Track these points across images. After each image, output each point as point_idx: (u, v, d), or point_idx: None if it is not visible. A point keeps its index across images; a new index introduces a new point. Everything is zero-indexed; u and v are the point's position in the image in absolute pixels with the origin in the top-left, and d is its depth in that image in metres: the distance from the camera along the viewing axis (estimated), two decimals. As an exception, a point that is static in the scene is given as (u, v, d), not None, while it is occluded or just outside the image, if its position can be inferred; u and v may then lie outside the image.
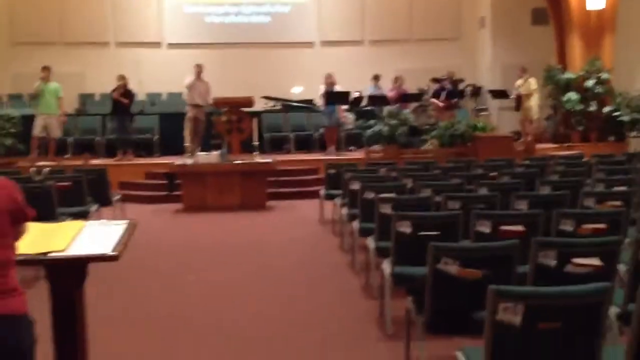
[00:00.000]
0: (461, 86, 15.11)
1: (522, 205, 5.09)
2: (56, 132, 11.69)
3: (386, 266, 4.40)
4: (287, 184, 10.91)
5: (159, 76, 16.17)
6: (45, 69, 11.63)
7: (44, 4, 16.59)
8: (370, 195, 5.78)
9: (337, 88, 12.36)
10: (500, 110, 15.02)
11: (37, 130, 11.49)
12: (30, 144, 11.55)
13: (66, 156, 12.20)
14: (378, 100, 13.62)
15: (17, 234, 2.29)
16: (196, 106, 12.06)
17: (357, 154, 12.21)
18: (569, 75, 13.77)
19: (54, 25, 16.72)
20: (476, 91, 15.32)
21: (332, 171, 8.36)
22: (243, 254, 7.01)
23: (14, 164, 10.65)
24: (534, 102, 13.15)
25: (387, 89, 14.04)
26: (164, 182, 10.70)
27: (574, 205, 5.30)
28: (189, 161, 10.19)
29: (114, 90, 12.04)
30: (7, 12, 16.67)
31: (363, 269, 5.75)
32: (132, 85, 12.54)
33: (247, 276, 6.09)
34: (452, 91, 13.74)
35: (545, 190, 5.97)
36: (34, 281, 4.78)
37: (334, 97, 12.21)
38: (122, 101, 11.95)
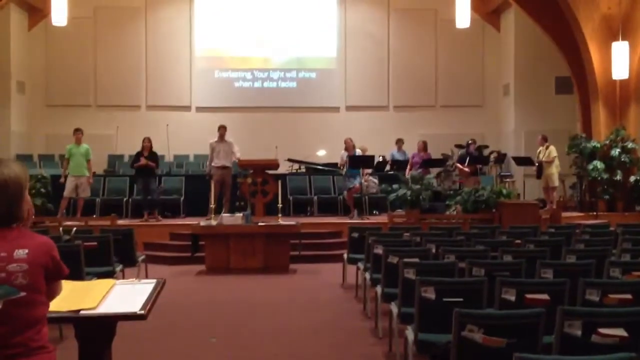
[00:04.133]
0: (485, 152, 15.18)
1: (548, 274, 5.04)
2: (86, 193, 11.94)
3: (410, 333, 4.36)
4: (311, 247, 10.92)
5: (186, 138, 16.54)
6: (78, 131, 11.97)
7: (78, 68, 17.22)
8: (394, 259, 5.77)
9: (358, 152, 12.49)
10: (525, 177, 15.03)
11: (67, 191, 11.74)
12: (60, 204, 11.78)
13: (94, 216, 12.39)
14: (402, 164, 13.73)
15: (51, 291, 2.35)
16: (222, 168, 12.16)
17: (380, 218, 12.23)
18: (594, 143, 13.80)
19: (88, 88, 17.32)
20: (501, 158, 15.38)
21: (356, 235, 8.36)
22: (265, 317, 6.98)
23: (42, 224, 10.82)
24: (555, 170, 13.22)
25: (410, 153, 14.11)
26: (188, 243, 10.77)
27: (600, 275, 5.24)
28: (213, 223, 10.26)
29: (140, 155, 12.17)
30: (44, 75, 17.31)
31: (386, 335, 5.70)
32: (161, 148, 12.76)
33: (269, 339, 6.06)
34: (476, 157, 13.80)
35: (571, 259, 5.91)
36: (62, 339, 4.81)
37: (357, 161, 12.32)
38: (149, 165, 12.14)
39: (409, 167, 13.44)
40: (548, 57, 15.77)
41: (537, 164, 13.41)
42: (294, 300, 7.89)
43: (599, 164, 13.61)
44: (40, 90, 17.27)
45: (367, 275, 6.84)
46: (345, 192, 12.76)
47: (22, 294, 2.21)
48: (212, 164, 12.28)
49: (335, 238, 11.40)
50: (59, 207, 11.77)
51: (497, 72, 17.73)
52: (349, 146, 12.40)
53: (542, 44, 15.55)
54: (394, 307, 5.15)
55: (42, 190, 11.64)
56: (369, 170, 13.27)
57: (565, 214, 12.65)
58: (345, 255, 8.48)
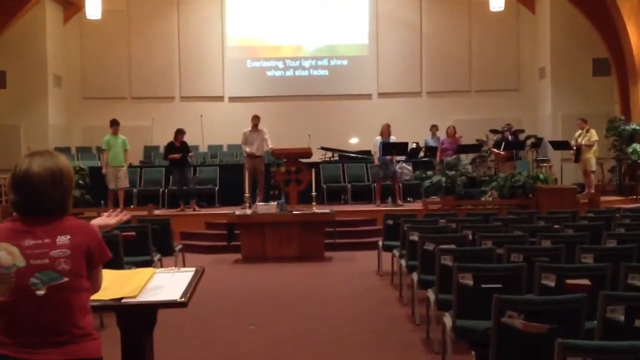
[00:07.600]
0: (521, 137, 14.95)
1: (588, 259, 4.96)
2: (124, 183, 12.14)
3: (448, 319, 4.33)
4: (345, 235, 10.91)
5: (220, 128, 16.63)
6: (115, 123, 12.18)
7: (113, 61, 17.43)
8: (430, 246, 5.74)
9: (393, 139, 12.40)
10: (563, 161, 14.80)
11: (112, 183, 11.99)
12: (108, 197, 12.08)
13: (131, 206, 12.56)
14: (435, 151, 13.61)
15: (93, 278, 2.36)
16: (253, 157, 12.20)
17: (414, 205, 12.15)
18: (633, 126, 13.49)
19: (123, 80, 17.52)
20: (537, 142, 15.13)
21: (391, 222, 8.32)
22: (301, 305, 7.02)
23: (81, 215, 11.02)
24: (592, 154, 12.90)
25: (441, 140, 13.90)
26: (224, 232, 10.86)
27: (642, 259, 5.13)
28: (248, 211, 10.31)
29: (172, 145, 12.29)
30: (79, 68, 17.57)
31: (423, 322, 5.68)
32: (195, 138, 12.82)
33: (306, 327, 6.09)
34: (512, 142, 13.60)
35: (612, 244, 5.80)
36: (103, 327, 4.89)
37: (390, 148, 12.24)
38: (176, 158, 12.19)
39: (438, 153, 13.33)
40: (585, 38, 15.44)
41: (575, 148, 13.12)
42: (330, 288, 7.91)
43: (638, 146, 13.32)
44: (76, 83, 17.54)
45: (403, 263, 6.82)
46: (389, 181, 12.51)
47: (65, 279, 2.23)
48: (244, 154, 12.34)
49: (369, 225, 11.37)
50: (108, 200, 12.04)
51: (533, 55, 17.42)
52: (385, 132, 12.32)
53: (578, 25, 15.23)
54: (431, 294, 5.12)
55: (81, 182, 11.84)
56: (402, 157, 13.06)
57: (604, 198, 12.41)
58: (380, 243, 8.45)
